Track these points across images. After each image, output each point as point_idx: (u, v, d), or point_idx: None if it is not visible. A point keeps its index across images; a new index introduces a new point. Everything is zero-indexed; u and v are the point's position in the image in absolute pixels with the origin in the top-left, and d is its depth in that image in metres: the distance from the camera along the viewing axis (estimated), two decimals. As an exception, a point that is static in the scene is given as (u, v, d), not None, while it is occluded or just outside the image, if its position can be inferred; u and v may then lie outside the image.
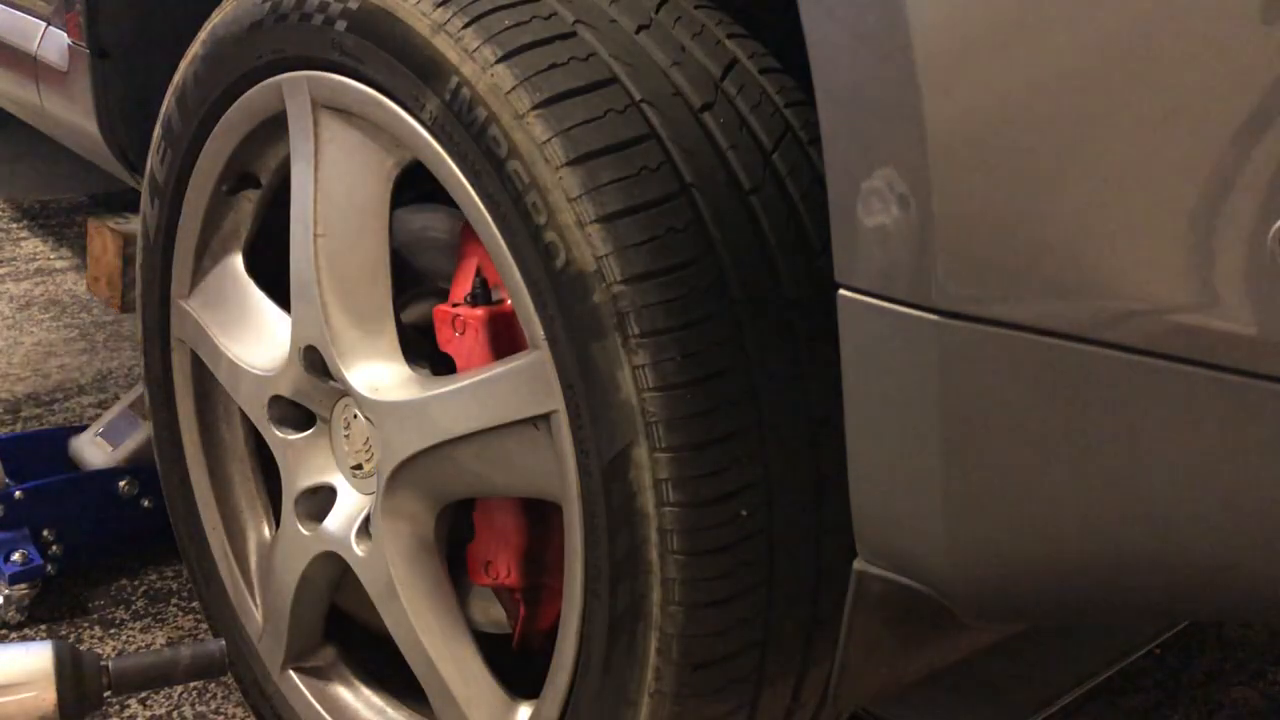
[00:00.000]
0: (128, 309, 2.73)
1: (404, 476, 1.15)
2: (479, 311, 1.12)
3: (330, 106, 1.13)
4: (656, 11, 0.99)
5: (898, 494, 0.85)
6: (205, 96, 1.26)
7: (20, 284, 2.86)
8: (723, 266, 0.91)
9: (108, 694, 1.33)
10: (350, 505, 1.25)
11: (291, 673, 1.38)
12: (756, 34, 1.01)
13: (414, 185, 1.15)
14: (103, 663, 1.34)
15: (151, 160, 1.38)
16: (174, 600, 1.78)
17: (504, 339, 1.11)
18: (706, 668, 0.97)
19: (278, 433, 1.30)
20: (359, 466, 1.23)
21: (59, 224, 3.24)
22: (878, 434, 0.84)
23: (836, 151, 0.80)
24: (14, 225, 3.22)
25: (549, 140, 0.92)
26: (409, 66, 1.00)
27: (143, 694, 1.56)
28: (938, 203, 0.75)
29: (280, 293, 1.27)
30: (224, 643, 1.39)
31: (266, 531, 1.44)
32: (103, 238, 2.70)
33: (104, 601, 1.78)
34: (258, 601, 1.42)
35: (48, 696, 1.24)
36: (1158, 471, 0.75)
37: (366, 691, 1.37)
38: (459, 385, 1.07)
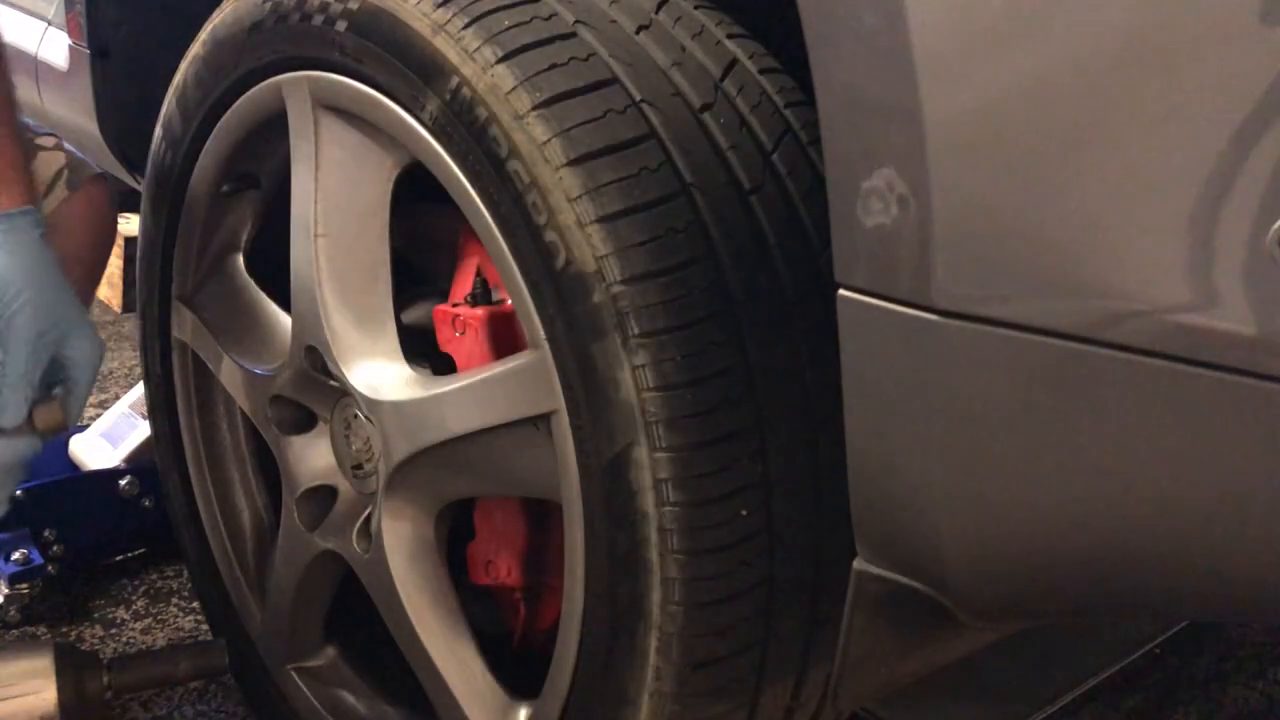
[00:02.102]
0: (128, 309, 2.73)
1: (404, 476, 1.15)
2: (479, 311, 1.12)
3: (330, 107, 1.13)
4: (656, 12, 0.99)
5: (898, 494, 0.85)
6: (205, 96, 1.26)
7: (20, 284, 2.85)
8: (723, 266, 0.91)
9: (108, 694, 1.33)
10: (350, 505, 1.25)
11: (292, 672, 1.38)
12: (756, 34, 1.01)
13: (414, 185, 1.15)
14: (103, 663, 1.34)
15: (151, 160, 1.38)
16: (174, 600, 1.78)
17: (504, 339, 1.11)
18: (706, 667, 0.97)
19: (278, 433, 1.30)
20: (359, 466, 1.23)
21: (59, 224, 3.24)
22: (878, 434, 0.84)
23: (836, 151, 0.80)
24: (14, 225, 3.21)
25: (549, 140, 0.92)
26: (409, 67, 1.01)
27: (143, 695, 1.55)
28: (937, 203, 0.75)
29: (280, 293, 1.27)
30: (225, 643, 1.39)
31: (266, 531, 1.44)
32: (103, 238, 2.70)
33: (104, 601, 1.78)
34: (258, 601, 1.42)
35: (48, 696, 1.24)
36: (1157, 471, 0.75)
37: (367, 691, 1.37)
38: (459, 385, 1.07)
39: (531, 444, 1.02)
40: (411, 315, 1.24)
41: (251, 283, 1.35)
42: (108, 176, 1.43)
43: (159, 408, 1.48)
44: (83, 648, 1.59)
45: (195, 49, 1.26)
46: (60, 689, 1.26)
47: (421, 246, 1.27)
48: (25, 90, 2.09)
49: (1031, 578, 0.84)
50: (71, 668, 1.28)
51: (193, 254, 1.37)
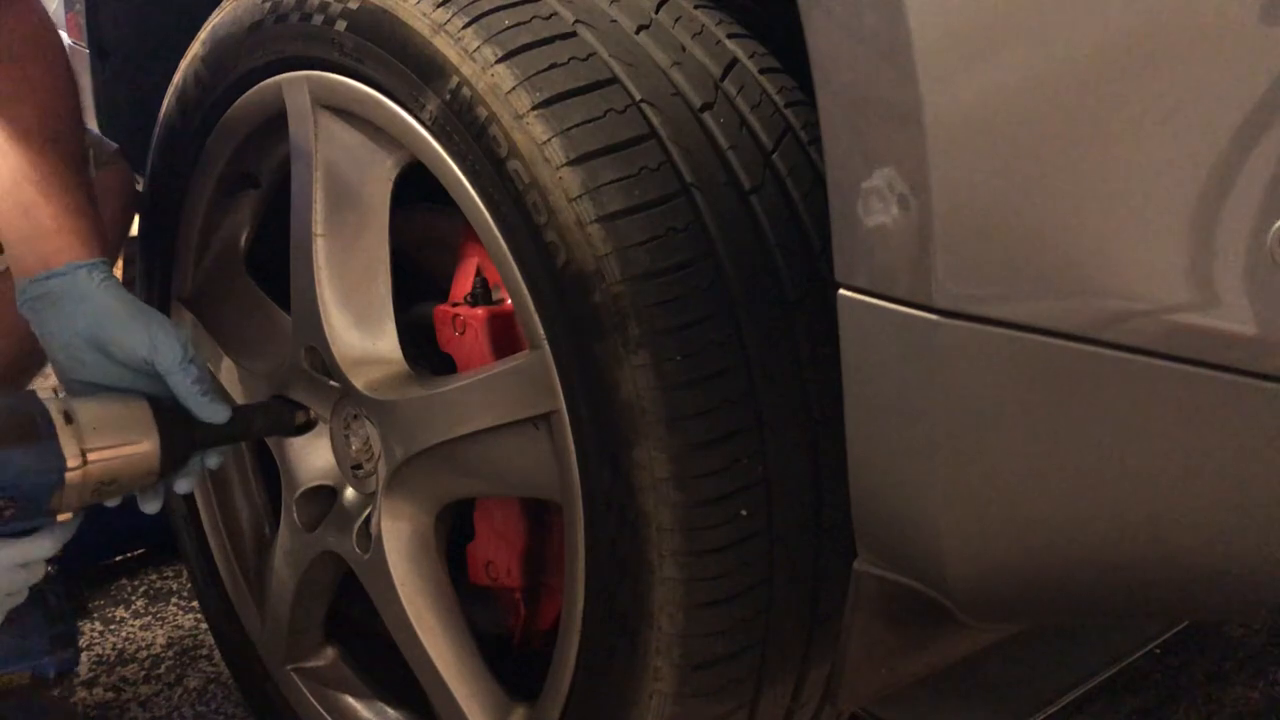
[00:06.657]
0: (128, 309, 2.72)
1: (404, 477, 1.15)
2: (479, 311, 1.12)
3: (330, 106, 1.13)
4: (656, 11, 0.99)
5: (898, 494, 0.85)
6: (205, 97, 1.26)
7: (20, 284, 2.85)
8: (723, 266, 0.91)
9: (195, 451, 1.25)
10: (350, 506, 1.25)
11: (292, 673, 1.38)
12: (756, 34, 1.01)
13: (414, 185, 1.15)
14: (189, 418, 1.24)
15: (152, 160, 1.38)
16: (174, 600, 1.78)
17: (504, 339, 1.11)
18: (706, 668, 0.97)
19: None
20: (359, 467, 1.23)
21: (59, 224, 3.24)
22: (878, 434, 0.84)
23: (836, 151, 0.80)
24: (14, 225, 3.21)
25: (549, 140, 0.92)
26: (409, 66, 1.00)
27: (143, 695, 1.55)
28: (938, 203, 0.75)
29: (280, 293, 1.27)
30: (295, 403, 1.31)
31: (266, 531, 1.44)
32: (103, 238, 2.70)
33: (104, 601, 1.78)
34: (258, 602, 1.42)
35: (150, 449, 1.16)
36: (1157, 471, 0.75)
37: (367, 692, 1.37)
38: (459, 385, 1.07)
39: (531, 444, 1.02)
40: (411, 315, 1.24)
41: (251, 283, 1.35)
42: (124, 153, 1.45)
43: (159, 408, 1.48)
44: (81, 645, 1.59)
45: (195, 49, 1.26)
46: (162, 442, 1.18)
47: (421, 246, 1.27)
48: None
49: (1031, 577, 0.84)
50: (170, 421, 1.20)
51: (192, 254, 1.37)
